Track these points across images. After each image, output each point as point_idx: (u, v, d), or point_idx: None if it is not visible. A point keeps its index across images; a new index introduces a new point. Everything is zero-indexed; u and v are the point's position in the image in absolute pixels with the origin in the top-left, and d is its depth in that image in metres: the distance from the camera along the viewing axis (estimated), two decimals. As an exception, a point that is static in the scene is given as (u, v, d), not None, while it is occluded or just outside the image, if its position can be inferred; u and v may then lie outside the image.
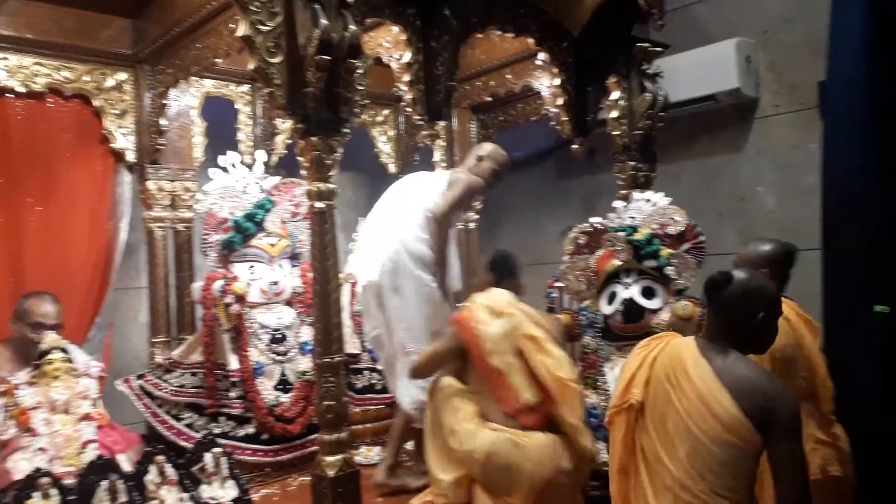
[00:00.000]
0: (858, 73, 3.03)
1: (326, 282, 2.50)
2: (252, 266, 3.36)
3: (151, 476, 2.52)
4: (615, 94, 3.74)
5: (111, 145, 3.40)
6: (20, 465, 2.61)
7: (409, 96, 2.79)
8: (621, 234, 3.04)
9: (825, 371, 2.49)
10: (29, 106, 3.20)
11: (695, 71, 4.31)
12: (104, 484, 2.40)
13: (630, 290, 2.97)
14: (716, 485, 1.78)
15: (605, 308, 3.04)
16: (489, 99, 4.10)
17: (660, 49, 3.84)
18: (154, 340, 3.47)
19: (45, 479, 2.33)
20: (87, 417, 2.86)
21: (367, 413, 3.67)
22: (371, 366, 3.72)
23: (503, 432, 2.40)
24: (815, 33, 4.04)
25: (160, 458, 2.55)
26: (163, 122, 3.36)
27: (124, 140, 3.41)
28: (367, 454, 3.48)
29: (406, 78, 2.79)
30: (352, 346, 3.75)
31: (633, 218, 3.17)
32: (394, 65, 2.92)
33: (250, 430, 3.23)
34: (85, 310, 3.34)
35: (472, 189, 3.03)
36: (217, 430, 3.18)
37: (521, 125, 4.64)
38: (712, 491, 1.78)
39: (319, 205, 2.49)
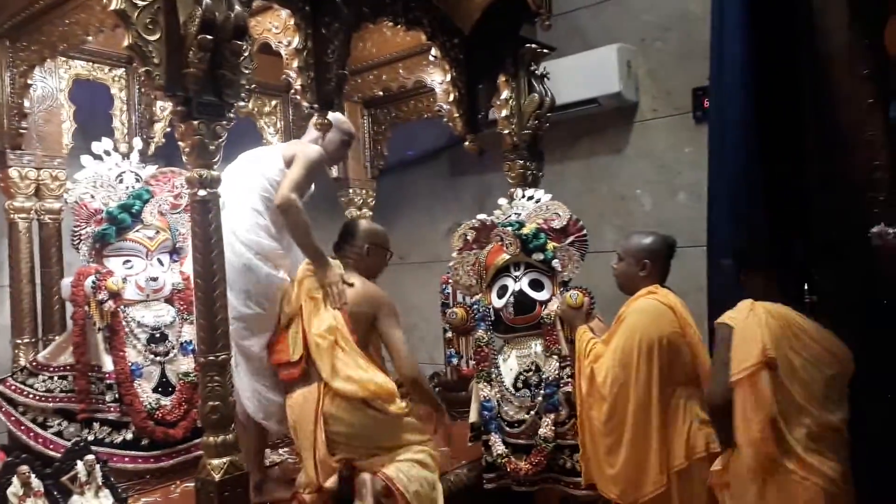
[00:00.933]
0: (739, 81, 3.22)
1: (210, 275, 2.38)
2: (128, 261, 3.15)
3: (14, 489, 2.32)
4: (505, 94, 3.80)
5: (-35, 128, 3.09)
6: None
7: (298, 84, 2.69)
8: (510, 228, 3.10)
9: (706, 356, 2.63)
10: None
11: (579, 75, 4.47)
12: (-45, 499, 2.19)
13: (520, 283, 3.04)
14: (846, 413, 2.27)
15: (497, 301, 3.09)
16: (381, 94, 4.07)
17: (547, 51, 3.94)
18: (17, 342, 3.18)
19: None
20: (-64, 428, 2.59)
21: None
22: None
23: (287, 399, 2.70)
24: (688, 42, 4.29)
25: (23, 468, 2.35)
26: (26, 103, 3.08)
27: (-20, 123, 3.11)
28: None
29: (295, 64, 2.69)
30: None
31: (517, 214, 3.25)
32: (283, 51, 2.82)
33: (128, 435, 3.02)
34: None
35: (316, 166, 2.82)
36: (91, 437, 2.96)
37: (413, 122, 4.65)
38: (845, 419, 2.27)
39: (202, 193, 2.36)
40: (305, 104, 2.76)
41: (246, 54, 2.45)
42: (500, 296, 3.08)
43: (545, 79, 3.96)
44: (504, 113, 3.82)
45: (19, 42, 3.07)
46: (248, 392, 2.78)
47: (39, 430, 2.94)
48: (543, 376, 2.93)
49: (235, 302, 2.65)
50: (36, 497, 2.34)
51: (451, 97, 3.46)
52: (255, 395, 2.77)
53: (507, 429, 2.94)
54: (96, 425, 3.00)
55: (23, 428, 2.93)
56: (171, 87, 2.28)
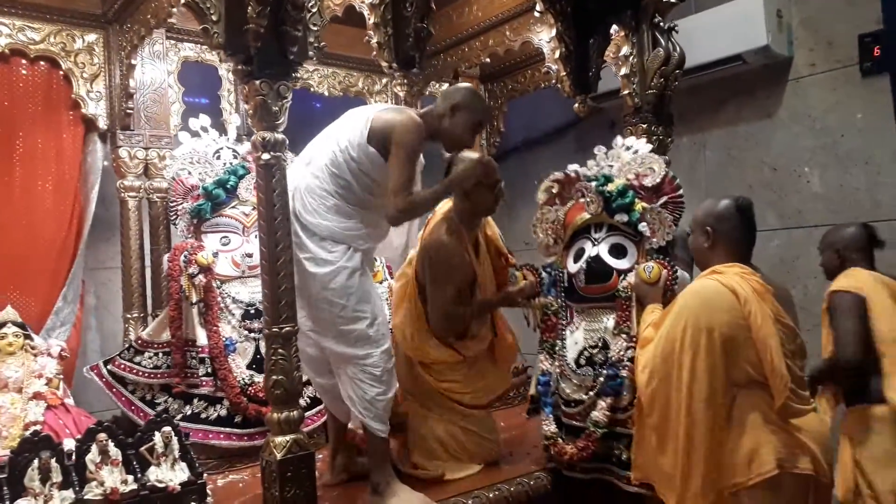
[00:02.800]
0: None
1: (274, 244, 2.25)
2: (225, 236, 3.15)
3: (91, 455, 2.33)
4: (624, 50, 3.38)
5: (82, 111, 3.22)
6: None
7: (375, 41, 2.51)
8: (592, 184, 2.74)
9: (779, 358, 2.04)
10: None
11: (719, 29, 3.96)
12: (36, 462, 2.22)
13: (598, 247, 2.69)
14: None
15: (571, 265, 2.76)
16: (488, 61, 3.80)
17: (674, 1, 3.47)
18: (127, 316, 3.28)
19: (-32, 456, 2.16)
20: (37, 397, 2.69)
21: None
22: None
23: None
24: (850, -18, 3.65)
25: (101, 435, 2.35)
26: (131, 84, 3.17)
27: (95, 106, 3.23)
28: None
29: (372, 20, 2.52)
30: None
31: (610, 167, 2.83)
32: (365, 11, 2.66)
33: (222, 411, 3.02)
34: (54, 283, 3.17)
35: (416, 145, 2.41)
36: (189, 412, 2.99)
37: (530, 93, 4.37)
38: None
39: (266, 156, 2.24)
40: (384, 63, 2.56)
41: (314, 10, 2.31)
42: (575, 259, 2.75)
43: (673, 32, 3.49)
44: (624, 71, 3.40)
45: (124, 25, 3.16)
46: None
47: (148, 409, 2.97)
48: (609, 355, 2.54)
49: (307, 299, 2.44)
50: (112, 465, 2.33)
51: (558, 53, 3.11)
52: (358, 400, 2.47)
53: (564, 408, 2.65)
54: (195, 400, 3.02)
55: (133, 407, 2.99)
56: (230, 45, 2.18)
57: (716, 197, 2.37)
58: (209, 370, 2.99)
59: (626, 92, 3.42)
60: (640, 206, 2.65)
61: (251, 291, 3.13)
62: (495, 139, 4.44)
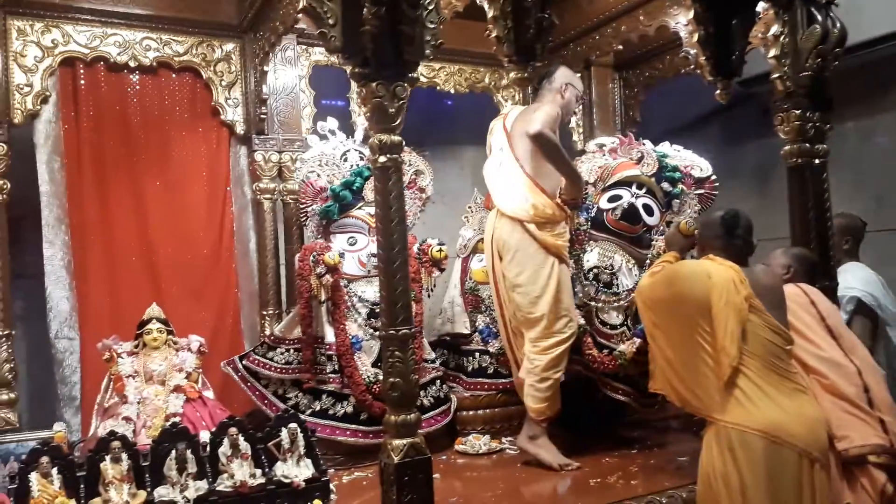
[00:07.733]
0: None
1: (391, 246, 2.23)
2: (352, 237, 3.20)
3: (223, 448, 2.43)
4: (774, 29, 3.06)
5: (221, 118, 3.41)
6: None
7: (494, 34, 2.42)
8: (655, 152, 3.36)
9: (730, 340, 2.15)
10: (143, 81, 3.28)
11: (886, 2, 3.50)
12: (173, 453, 2.35)
13: (636, 200, 3.27)
14: None
15: (605, 203, 3.31)
16: (620, 48, 3.60)
17: (834, -30, 3.10)
18: (263, 313, 3.43)
19: (115, 443, 2.31)
20: (177, 389, 2.85)
21: (478, 399, 3.37)
22: (482, 348, 3.43)
23: None
24: None
25: (233, 430, 2.45)
26: (264, 89, 3.29)
27: (233, 112, 3.41)
28: (475, 443, 3.18)
29: (491, 13, 2.43)
30: (462, 325, 3.48)
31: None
32: (485, 3, 2.58)
33: (349, 408, 3.07)
34: (213, 282, 3.39)
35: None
36: (318, 408, 3.06)
37: (669, 80, 4.10)
38: None
39: (382, 159, 2.22)
40: (504, 58, 2.47)
41: (430, 8, 2.26)
42: (610, 201, 3.29)
43: (832, 6, 3.12)
44: (774, 52, 3.07)
45: (257, 33, 3.28)
46: None
47: (280, 404, 3.06)
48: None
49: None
50: (242, 459, 2.42)
51: (696, 37, 2.86)
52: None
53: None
54: (324, 396, 3.09)
55: (266, 402, 3.09)
56: (347, 47, 2.18)
57: None
58: (336, 367, 3.05)
59: (776, 75, 3.10)
60: (681, 186, 3.34)
61: (377, 291, 3.09)
62: (630, 129, 4.20)
